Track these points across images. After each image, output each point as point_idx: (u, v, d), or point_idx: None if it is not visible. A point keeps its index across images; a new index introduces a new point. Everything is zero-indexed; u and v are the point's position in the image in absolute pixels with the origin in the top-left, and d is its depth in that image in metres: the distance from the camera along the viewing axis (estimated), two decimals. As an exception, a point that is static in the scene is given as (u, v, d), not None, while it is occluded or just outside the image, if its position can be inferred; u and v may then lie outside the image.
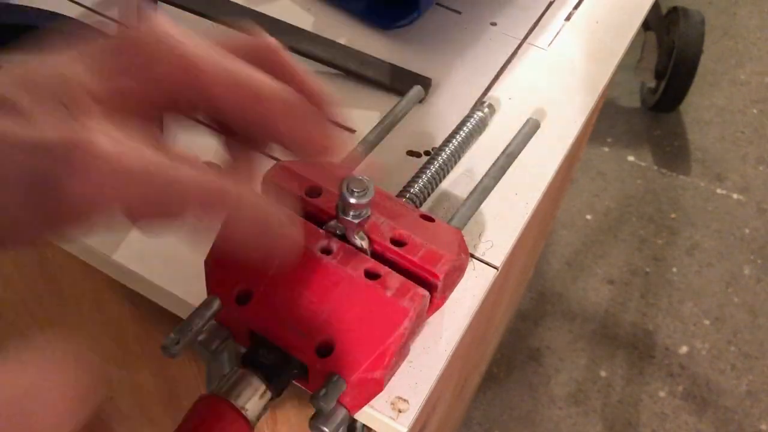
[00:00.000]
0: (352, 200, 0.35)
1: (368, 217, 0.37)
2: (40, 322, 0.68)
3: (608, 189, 1.83)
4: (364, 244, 0.38)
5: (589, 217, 1.77)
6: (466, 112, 0.51)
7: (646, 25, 1.84)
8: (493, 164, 0.46)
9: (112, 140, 0.24)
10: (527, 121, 0.49)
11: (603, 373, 1.51)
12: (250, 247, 0.28)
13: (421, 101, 0.54)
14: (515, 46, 0.61)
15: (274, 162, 0.42)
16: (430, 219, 0.41)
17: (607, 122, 1.97)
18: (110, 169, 0.23)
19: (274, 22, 0.58)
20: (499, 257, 0.46)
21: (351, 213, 0.36)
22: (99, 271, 0.47)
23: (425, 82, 0.56)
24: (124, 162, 0.23)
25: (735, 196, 1.83)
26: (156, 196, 0.25)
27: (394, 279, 0.37)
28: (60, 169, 0.23)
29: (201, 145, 0.33)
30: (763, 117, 2.01)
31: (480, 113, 0.50)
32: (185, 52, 0.27)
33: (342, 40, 0.58)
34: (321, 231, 0.38)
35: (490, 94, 0.57)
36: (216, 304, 0.37)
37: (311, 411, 0.35)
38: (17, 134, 0.23)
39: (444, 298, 0.41)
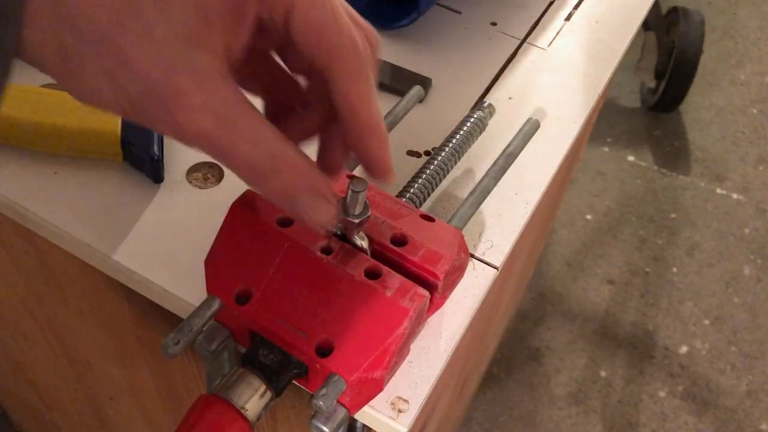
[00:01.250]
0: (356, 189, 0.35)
1: (368, 217, 0.37)
2: (40, 322, 0.68)
3: (608, 189, 1.83)
4: (364, 244, 0.38)
5: (589, 217, 1.77)
6: (466, 112, 0.51)
7: (646, 25, 1.83)
8: (493, 164, 0.46)
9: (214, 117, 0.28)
10: (527, 121, 0.49)
11: (603, 373, 1.50)
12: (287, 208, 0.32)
13: (420, 101, 0.54)
14: (515, 46, 0.61)
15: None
16: (430, 219, 0.41)
17: (607, 122, 1.97)
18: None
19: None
20: (499, 257, 0.46)
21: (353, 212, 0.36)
22: (99, 270, 0.47)
23: (425, 82, 0.56)
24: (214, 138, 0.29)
25: (735, 196, 1.83)
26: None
27: (394, 279, 0.37)
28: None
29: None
30: (763, 117, 2.01)
31: (480, 113, 0.50)
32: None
33: (342, 40, 0.58)
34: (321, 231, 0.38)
35: (490, 94, 0.57)
36: (216, 304, 0.37)
37: (311, 411, 0.35)
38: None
39: (444, 298, 0.41)
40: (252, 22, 0.30)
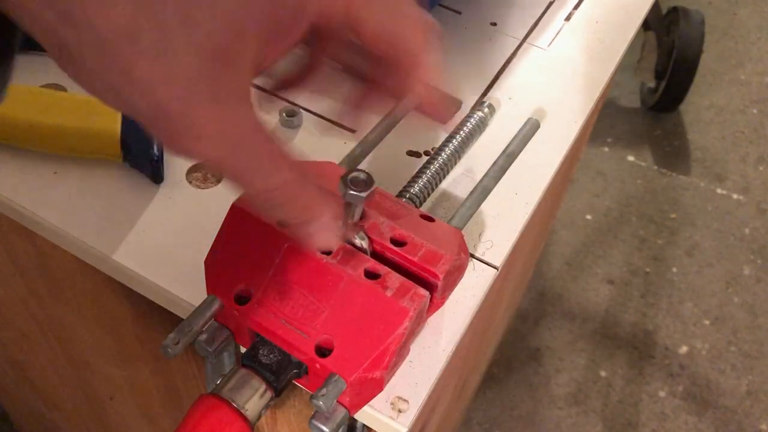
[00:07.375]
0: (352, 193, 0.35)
1: (366, 216, 0.37)
2: (40, 322, 0.68)
3: (608, 189, 1.83)
4: (364, 244, 0.38)
5: (589, 217, 1.77)
6: (466, 112, 0.51)
7: (646, 25, 1.83)
8: (493, 164, 0.46)
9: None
10: (527, 121, 0.49)
11: (603, 373, 1.50)
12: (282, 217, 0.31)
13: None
14: (515, 46, 0.61)
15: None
16: (430, 219, 0.41)
17: (607, 122, 1.97)
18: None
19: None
20: (499, 257, 0.46)
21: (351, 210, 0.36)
22: (98, 270, 0.47)
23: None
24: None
25: (735, 196, 1.83)
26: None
27: (394, 279, 0.37)
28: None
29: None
30: (763, 117, 2.01)
31: (480, 113, 0.50)
32: None
33: (342, 40, 0.58)
34: (321, 231, 0.38)
35: (490, 94, 0.57)
36: (216, 304, 0.37)
37: (311, 411, 0.35)
38: None
39: (444, 298, 0.41)
40: (304, 31, 0.27)
